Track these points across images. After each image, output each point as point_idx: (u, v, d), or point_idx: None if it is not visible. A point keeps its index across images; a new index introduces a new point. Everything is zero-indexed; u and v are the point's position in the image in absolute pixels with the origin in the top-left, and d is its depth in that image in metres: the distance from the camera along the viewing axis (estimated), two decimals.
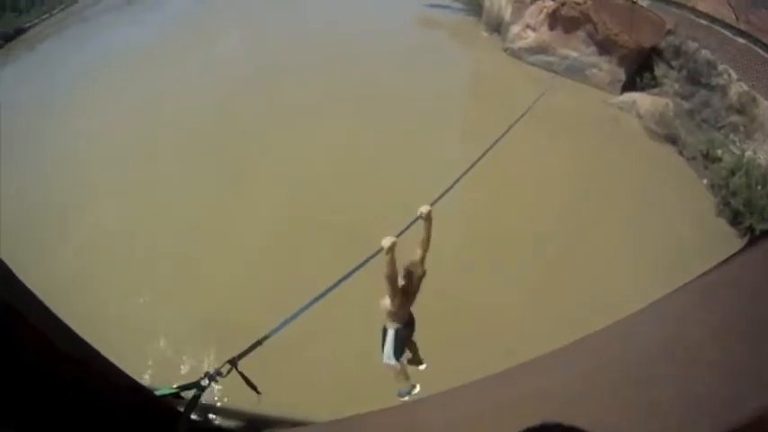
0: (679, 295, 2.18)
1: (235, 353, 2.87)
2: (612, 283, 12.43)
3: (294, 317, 3.13)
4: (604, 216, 15.05)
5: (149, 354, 11.62)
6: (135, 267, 13.81)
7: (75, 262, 14.20)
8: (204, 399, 2.36)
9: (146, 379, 10.80)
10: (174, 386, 2.26)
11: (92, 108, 21.86)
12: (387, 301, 4.98)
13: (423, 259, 5.02)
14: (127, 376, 1.86)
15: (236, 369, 2.61)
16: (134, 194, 16.65)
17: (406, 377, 5.78)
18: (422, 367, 6.23)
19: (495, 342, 10.61)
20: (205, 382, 2.38)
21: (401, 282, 4.86)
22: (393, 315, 5.14)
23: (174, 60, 25.42)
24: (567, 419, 1.80)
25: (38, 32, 32.56)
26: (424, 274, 5.03)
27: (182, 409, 2.17)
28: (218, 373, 2.50)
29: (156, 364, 11.39)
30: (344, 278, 3.73)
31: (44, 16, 34.36)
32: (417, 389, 5.75)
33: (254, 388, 2.68)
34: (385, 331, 5.35)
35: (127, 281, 13.42)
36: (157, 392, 2.12)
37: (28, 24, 32.93)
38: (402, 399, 5.63)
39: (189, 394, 2.29)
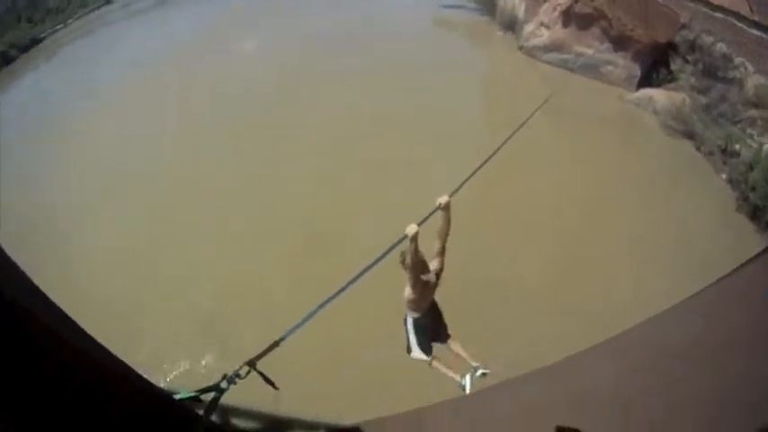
0: (703, 297, 2.23)
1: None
2: (633, 281, 12.39)
3: (311, 315, 3.08)
4: (623, 213, 14.97)
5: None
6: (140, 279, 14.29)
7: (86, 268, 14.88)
8: (223, 400, 2.40)
9: (166, 382, 11.42)
10: (194, 390, 2.26)
11: (102, 117, 22.92)
12: (407, 290, 4.99)
13: (442, 250, 5.04)
14: (145, 380, 1.91)
15: (255, 369, 2.59)
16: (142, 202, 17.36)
17: (449, 367, 5.52)
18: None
19: (513, 344, 10.65)
20: (224, 385, 2.39)
21: (420, 280, 4.90)
22: (412, 304, 5.14)
23: (180, 74, 26.09)
24: (588, 426, 1.86)
25: (53, 42, 33.81)
26: (443, 265, 5.08)
27: (201, 412, 2.22)
28: (237, 374, 2.48)
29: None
30: (366, 270, 3.68)
31: (58, 27, 35.52)
32: (479, 372, 5.31)
33: (272, 384, 2.69)
34: (405, 322, 5.38)
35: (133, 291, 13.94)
36: (177, 396, 2.15)
37: (43, 35, 34.00)
38: (465, 391, 5.26)
39: (208, 397, 2.32)
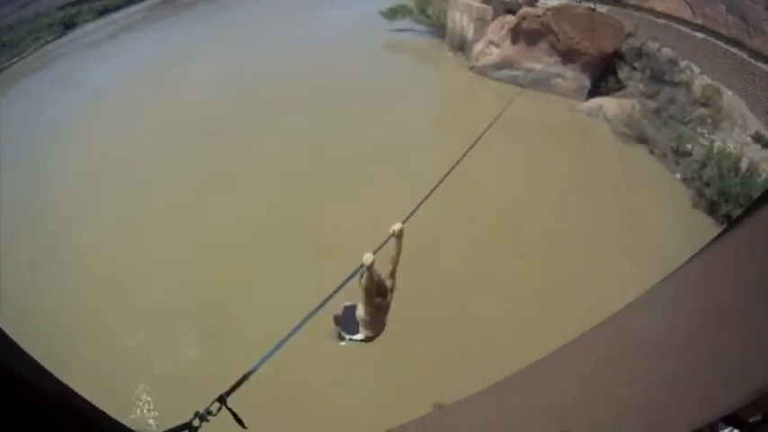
0: (666, 286, 2.28)
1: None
2: (595, 284, 12.27)
3: (277, 348, 3.06)
4: (583, 220, 14.90)
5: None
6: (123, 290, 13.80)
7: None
8: None
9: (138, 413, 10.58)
10: (164, 430, 2.21)
11: (61, 146, 21.89)
12: (361, 310, 5.25)
13: (393, 273, 5.29)
14: (111, 419, 1.82)
15: (226, 406, 2.54)
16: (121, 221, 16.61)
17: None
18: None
19: (490, 351, 10.54)
20: (196, 422, 2.38)
21: (374, 303, 5.13)
22: (365, 323, 5.36)
23: (137, 101, 25.44)
24: (566, 426, 1.82)
25: (9, 75, 32.85)
26: (393, 287, 5.34)
27: None
28: (209, 411, 2.45)
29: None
30: (328, 299, 3.63)
31: (14, 59, 34.59)
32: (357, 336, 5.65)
33: (240, 423, 2.59)
34: (350, 339, 5.57)
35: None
36: None
37: None
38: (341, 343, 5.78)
39: None
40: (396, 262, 5.22)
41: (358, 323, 5.47)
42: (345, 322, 5.62)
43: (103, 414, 1.75)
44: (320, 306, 3.52)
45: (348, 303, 5.72)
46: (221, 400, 2.55)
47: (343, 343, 5.69)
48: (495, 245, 14.10)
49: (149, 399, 10.85)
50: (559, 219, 14.99)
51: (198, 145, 20.32)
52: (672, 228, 14.29)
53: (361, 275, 4.71)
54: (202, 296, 13.22)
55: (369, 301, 5.08)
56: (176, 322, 12.66)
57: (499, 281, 12.88)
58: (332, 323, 5.87)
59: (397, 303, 5.49)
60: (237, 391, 2.72)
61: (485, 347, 10.84)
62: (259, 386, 3.09)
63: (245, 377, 2.78)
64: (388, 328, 5.55)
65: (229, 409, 2.54)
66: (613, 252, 13.46)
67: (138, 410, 10.58)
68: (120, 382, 11.12)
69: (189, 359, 11.68)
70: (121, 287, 13.85)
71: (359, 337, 5.47)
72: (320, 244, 13.96)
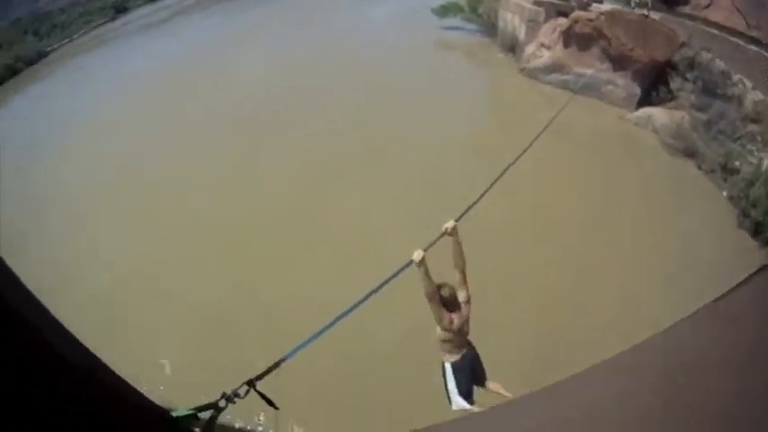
0: (703, 313, 2.20)
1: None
2: (639, 299, 12.56)
3: (314, 337, 3.11)
4: (626, 232, 15.21)
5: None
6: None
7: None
8: (221, 419, 2.39)
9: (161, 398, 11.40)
10: (191, 407, 2.22)
11: (98, 131, 23.67)
12: (437, 330, 4.76)
13: (464, 279, 4.85)
14: (140, 394, 1.84)
15: (255, 389, 2.59)
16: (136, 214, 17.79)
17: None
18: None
19: (519, 362, 10.65)
20: (222, 404, 2.37)
21: (447, 313, 4.71)
22: (446, 345, 4.86)
23: (178, 86, 27.06)
24: None
25: (59, 56, 35.09)
26: (468, 296, 4.85)
27: (197, 430, 2.21)
28: (236, 393, 2.48)
29: None
30: (372, 293, 3.66)
31: (64, 41, 36.84)
32: None
33: (272, 404, 2.63)
34: (444, 369, 4.97)
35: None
36: (173, 413, 2.15)
37: (49, 48, 35.21)
38: None
39: (206, 415, 2.30)
40: (462, 266, 4.82)
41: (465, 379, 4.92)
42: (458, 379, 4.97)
43: (134, 390, 1.81)
44: (359, 303, 3.54)
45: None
46: (250, 383, 2.59)
47: (453, 407, 4.99)
48: (534, 253, 14.46)
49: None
50: (600, 229, 15.31)
51: (234, 135, 21.54)
52: (714, 248, 14.35)
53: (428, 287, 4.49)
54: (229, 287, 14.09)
55: (438, 309, 4.64)
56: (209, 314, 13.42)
57: (536, 290, 13.22)
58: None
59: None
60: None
61: (520, 358, 10.94)
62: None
63: (276, 364, 2.81)
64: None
65: (259, 393, 2.60)
66: (653, 269, 13.64)
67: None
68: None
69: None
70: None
71: (466, 406, 4.85)
72: (360, 240, 14.80)
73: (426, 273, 4.40)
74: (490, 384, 5.08)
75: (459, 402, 4.87)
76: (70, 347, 1.53)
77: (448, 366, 4.92)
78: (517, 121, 20.79)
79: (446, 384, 4.95)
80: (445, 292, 4.68)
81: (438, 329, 4.76)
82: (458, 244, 4.70)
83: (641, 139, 19.99)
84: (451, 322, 4.72)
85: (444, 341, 4.83)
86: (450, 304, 4.71)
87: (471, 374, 4.99)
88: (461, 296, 4.79)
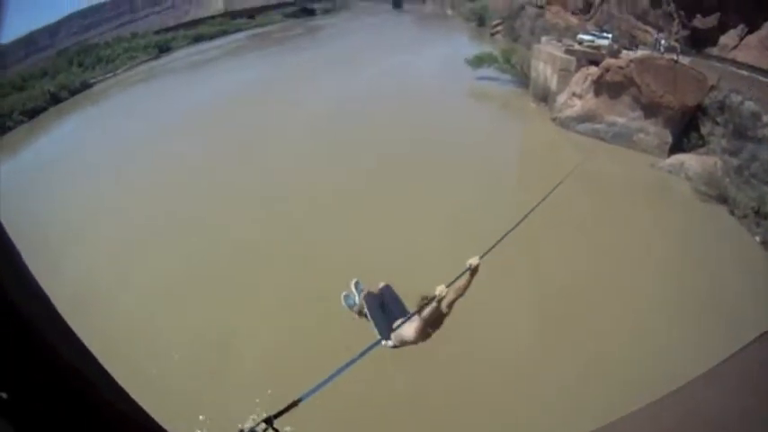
0: (738, 360, 2.20)
1: None
2: (671, 349, 12.49)
3: (332, 378, 3.17)
4: (658, 280, 15.29)
5: None
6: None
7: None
8: None
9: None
10: None
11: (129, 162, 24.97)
12: (409, 333, 5.25)
13: (452, 303, 5.23)
14: (156, 424, 1.91)
15: (273, 427, 2.68)
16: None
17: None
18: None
19: (546, 409, 10.91)
20: None
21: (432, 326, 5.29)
22: (402, 344, 5.45)
23: (216, 132, 28.23)
24: None
25: (102, 89, 37.77)
26: (446, 316, 5.32)
27: None
28: (253, 431, 2.60)
29: None
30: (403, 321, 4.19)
31: (108, 75, 39.71)
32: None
33: None
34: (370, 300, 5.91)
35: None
36: None
37: (93, 80, 37.92)
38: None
39: None
40: (460, 294, 5.16)
41: (389, 326, 5.50)
42: (375, 311, 5.82)
43: (152, 421, 1.85)
44: (375, 344, 3.79)
45: (387, 288, 6.08)
46: (268, 421, 2.66)
47: (355, 318, 6.09)
48: (563, 300, 14.55)
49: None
50: (632, 278, 15.39)
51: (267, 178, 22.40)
52: (749, 295, 14.30)
53: (425, 305, 4.98)
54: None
55: (421, 331, 5.19)
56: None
57: (562, 338, 13.24)
58: (357, 295, 6.36)
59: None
60: None
61: (550, 406, 11.08)
62: None
63: (294, 403, 2.88)
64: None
65: (276, 430, 2.68)
66: (686, 317, 13.69)
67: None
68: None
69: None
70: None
71: (389, 344, 5.45)
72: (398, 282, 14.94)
73: (439, 309, 5.00)
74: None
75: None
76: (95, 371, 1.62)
77: (389, 343, 5.48)
78: (548, 171, 21.10)
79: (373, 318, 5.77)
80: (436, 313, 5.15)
81: (410, 333, 5.26)
82: (471, 279, 5.03)
83: (674, 187, 20.33)
84: (428, 336, 5.33)
85: (403, 342, 5.41)
86: (433, 327, 5.31)
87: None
88: (444, 311, 5.23)
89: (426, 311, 4.94)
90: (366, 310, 5.88)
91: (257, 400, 11.23)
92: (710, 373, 2.24)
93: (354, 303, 6.39)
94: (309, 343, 12.78)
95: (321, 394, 2.92)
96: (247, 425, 2.60)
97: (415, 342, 5.31)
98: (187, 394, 11.64)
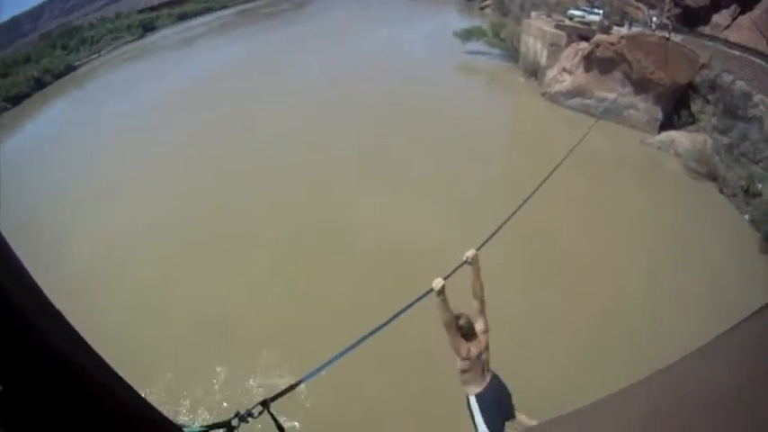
0: (729, 337, 2.18)
1: None
2: (659, 324, 12.70)
3: (329, 363, 3.16)
4: (647, 256, 15.41)
5: None
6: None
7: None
8: None
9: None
10: (204, 425, 2.33)
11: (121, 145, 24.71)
12: (458, 362, 4.66)
13: (482, 308, 4.83)
14: (155, 410, 1.89)
15: (269, 411, 2.65)
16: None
17: None
18: None
19: (533, 390, 10.78)
20: (235, 422, 2.49)
21: (465, 342, 4.65)
22: (468, 375, 4.74)
23: (200, 110, 27.95)
24: None
25: (87, 71, 37.07)
26: (487, 325, 4.80)
27: None
28: (249, 413, 2.57)
29: None
30: (388, 322, 3.70)
31: (93, 56, 38.93)
32: None
33: (281, 428, 2.67)
34: (469, 403, 4.80)
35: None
36: (186, 429, 2.25)
37: (77, 63, 37.18)
38: None
39: None
40: (480, 295, 4.80)
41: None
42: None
43: (149, 406, 1.85)
44: (379, 327, 3.56)
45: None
46: (264, 404, 2.65)
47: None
48: (553, 276, 14.65)
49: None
50: (621, 255, 15.51)
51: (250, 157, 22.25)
52: (737, 273, 14.51)
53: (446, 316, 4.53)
54: None
55: (455, 339, 4.59)
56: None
57: (551, 315, 13.32)
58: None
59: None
60: None
61: (532, 385, 11.04)
62: None
63: (291, 387, 2.86)
64: None
65: (271, 414, 2.65)
66: (675, 294, 13.80)
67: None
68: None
69: None
70: None
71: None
72: (385, 272, 14.57)
73: (444, 301, 4.41)
74: (519, 416, 4.86)
75: None
76: (91, 361, 1.60)
77: (473, 400, 4.75)
78: (539, 146, 21.13)
79: (473, 420, 4.79)
80: (462, 321, 4.64)
81: (458, 361, 4.67)
82: (477, 273, 4.70)
83: (663, 163, 20.32)
84: (469, 351, 4.64)
85: (464, 371, 4.71)
86: (467, 334, 4.69)
87: (499, 407, 4.82)
88: (479, 326, 4.74)
89: (440, 313, 4.44)
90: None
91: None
92: (701, 350, 2.20)
93: None
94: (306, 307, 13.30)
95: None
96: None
97: (471, 365, 4.65)
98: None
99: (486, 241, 4.66)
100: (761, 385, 1.71)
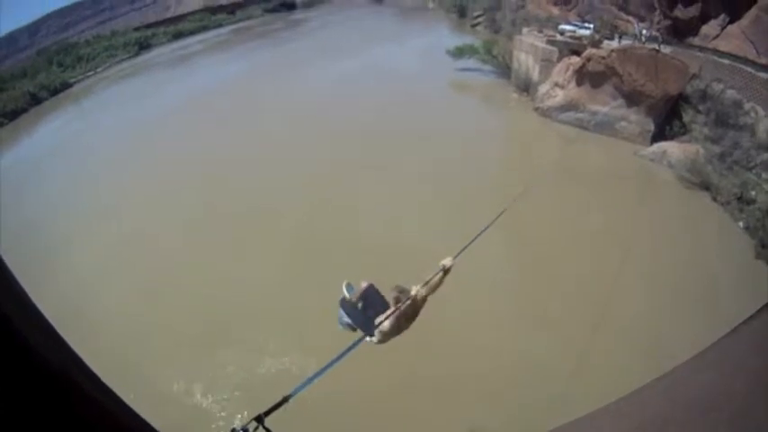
0: (723, 345, 2.19)
1: None
2: (656, 332, 12.64)
3: (320, 374, 3.20)
4: (643, 267, 15.33)
5: None
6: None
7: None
8: None
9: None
10: None
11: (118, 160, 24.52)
12: (386, 326, 5.23)
13: (425, 299, 5.36)
14: (148, 425, 1.90)
15: (263, 426, 2.66)
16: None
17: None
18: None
19: (532, 397, 10.88)
20: None
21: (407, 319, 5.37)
22: (381, 333, 5.36)
23: (196, 128, 27.89)
24: None
25: (83, 88, 36.98)
26: (421, 307, 5.41)
27: None
28: (245, 429, 2.57)
29: None
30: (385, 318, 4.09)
31: (89, 73, 38.87)
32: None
33: None
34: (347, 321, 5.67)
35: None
36: None
37: (73, 80, 37.12)
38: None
39: None
40: (431, 292, 5.29)
41: (372, 322, 5.46)
42: (354, 312, 5.68)
43: (132, 413, 1.82)
44: (359, 342, 3.82)
45: (370, 288, 5.85)
46: (259, 419, 2.66)
47: (341, 328, 5.83)
48: (549, 288, 14.58)
49: None
50: (617, 266, 15.28)
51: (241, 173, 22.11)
52: (733, 279, 14.44)
53: (402, 302, 5.11)
54: None
55: (397, 324, 5.26)
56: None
57: (551, 325, 13.21)
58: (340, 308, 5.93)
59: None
60: None
61: (534, 393, 11.06)
62: None
63: (284, 400, 2.86)
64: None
65: (267, 429, 2.66)
66: (672, 302, 13.73)
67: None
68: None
69: None
70: None
71: (374, 340, 5.42)
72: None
73: (416, 305, 5.17)
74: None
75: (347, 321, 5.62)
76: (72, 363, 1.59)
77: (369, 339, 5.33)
78: (532, 160, 21.25)
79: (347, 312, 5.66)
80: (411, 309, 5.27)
81: (386, 325, 5.22)
82: (443, 278, 5.18)
83: (657, 175, 20.29)
84: (403, 329, 5.41)
85: (385, 334, 5.35)
86: (409, 320, 5.38)
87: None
88: (418, 305, 5.33)
89: (404, 306, 5.04)
90: (346, 320, 5.72)
91: None
92: (698, 356, 2.23)
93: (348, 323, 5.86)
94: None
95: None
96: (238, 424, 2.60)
97: (392, 335, 5.37)
98: None
99: (462, 250, 5.05)
100: (758, 390, 1.72)
